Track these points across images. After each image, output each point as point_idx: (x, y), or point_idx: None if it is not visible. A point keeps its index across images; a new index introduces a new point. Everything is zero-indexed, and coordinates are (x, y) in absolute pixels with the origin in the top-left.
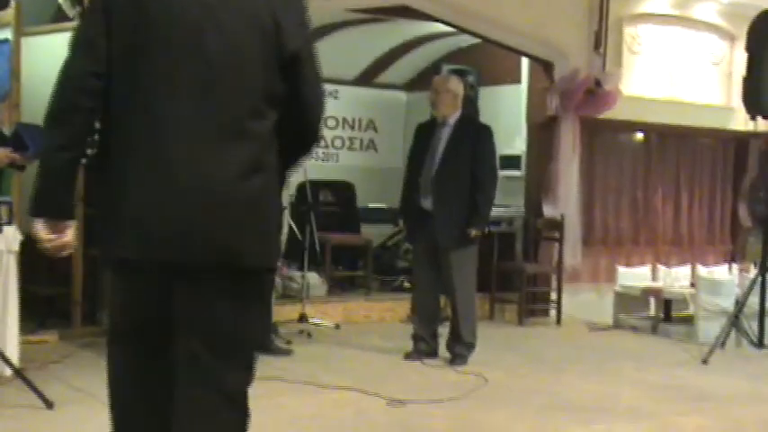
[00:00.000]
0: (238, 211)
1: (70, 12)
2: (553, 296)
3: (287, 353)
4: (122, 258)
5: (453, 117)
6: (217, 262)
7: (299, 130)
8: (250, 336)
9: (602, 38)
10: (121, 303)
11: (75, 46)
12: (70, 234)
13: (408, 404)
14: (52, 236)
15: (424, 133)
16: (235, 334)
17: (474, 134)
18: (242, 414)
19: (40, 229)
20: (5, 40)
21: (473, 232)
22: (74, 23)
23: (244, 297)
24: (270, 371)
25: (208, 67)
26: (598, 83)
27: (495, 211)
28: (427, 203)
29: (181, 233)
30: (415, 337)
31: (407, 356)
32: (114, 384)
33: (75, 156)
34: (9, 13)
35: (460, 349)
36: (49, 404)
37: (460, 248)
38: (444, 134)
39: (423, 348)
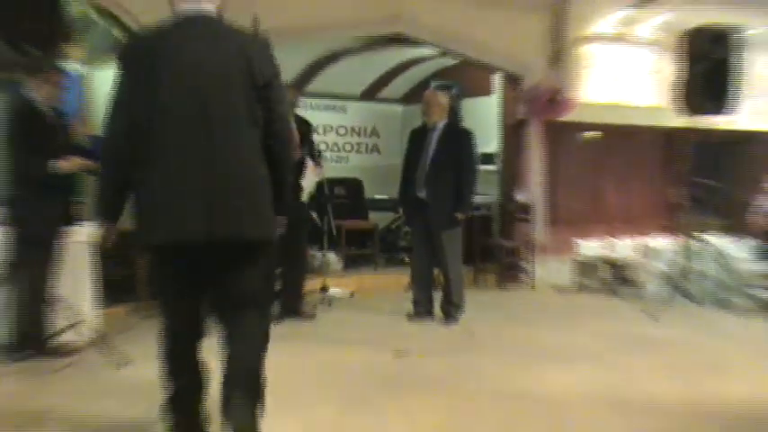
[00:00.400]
0: (249, 200)
1: None
2: (526, 266)
3: (312, 317)
4: (159, 244)
5: (441, 123)
6: (230, 240)
7: (273, 139)
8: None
9: (560, 55)
10: (164, 274)
11: (113, 107)
12: (112, 231)
13: (411, 356)
14: (102, 231)
15: (417, 137)
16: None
17: (458, 138)
18: (265, 337)
19: (97, 226)
20: (76, 71)
21: (459, 216)
22: None
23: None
24: (299, 331)
25: (210, 101)
26: (557, 92)
27: (477, 199)
28: (422, 194)
29: (218, 220)
30: (415, 302)
31: (409, 317)
32: (165, 332)
33: (119, 180)
34: (78, 48)
35: (452, 310)
36: (122, 363)
37: (450, 229)
38: (434, 138)
39: (421, 310)
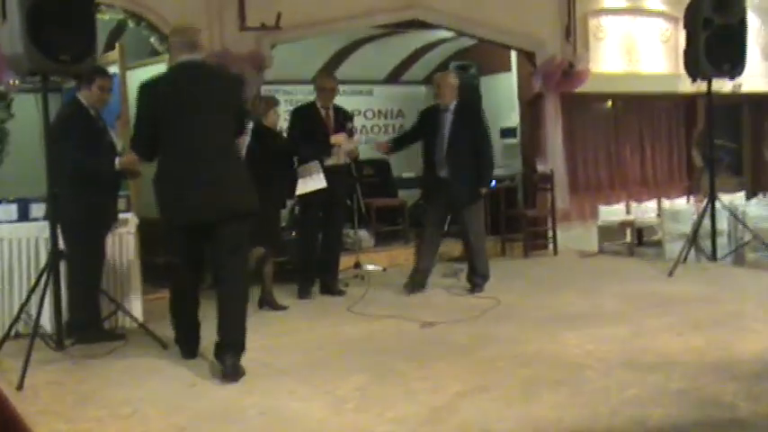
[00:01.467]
0: (236, 189)
1: (160, 48)
2: (550, 233)
3: (342, 293)
4: (182, 224)
5: (452, 104)
6: (226, 214)
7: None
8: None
9: (571, 29)
10: (181, 244)
11: (139, 119)
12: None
13: (437, 325)
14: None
15: (429, 117)
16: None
17: (471, 116)
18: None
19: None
20: (113, 74)
21: (483, 191)
22: (164, 56)
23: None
24: (330, 306)
25: (206, 124)
26: (571, 65)
27: (500, 171)
28: (444, 173)
29: (216, 205)
30: (419, 272)
31: (408, 287)
32: (175, 282)
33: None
34: (115, 52)
35: (478, 280)
36: (164, 345)
37: (473, 204)
38: (448, 119)
39: (420, 280)
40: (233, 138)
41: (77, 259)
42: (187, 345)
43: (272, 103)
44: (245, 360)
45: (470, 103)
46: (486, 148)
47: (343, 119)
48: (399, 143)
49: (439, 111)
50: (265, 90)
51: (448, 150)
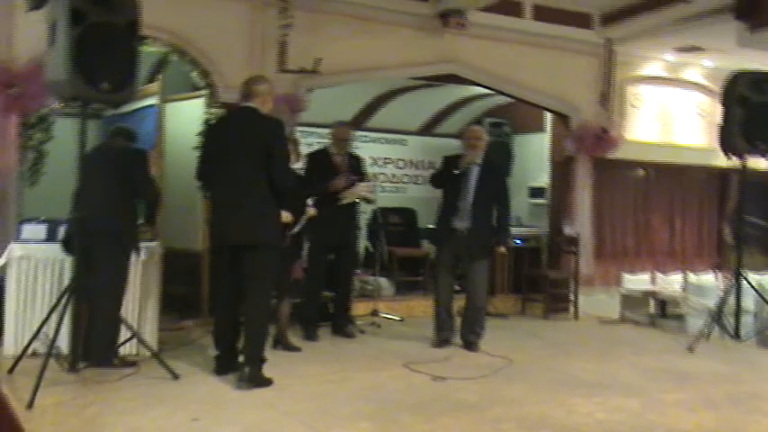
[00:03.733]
0: (255, 220)
1: (200, 83)
2: (571, 297)
3: (353, 336)
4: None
5: (480, 158)
6: (246, 242)
7: (275, 181)
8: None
9: (608, 95)
10: (219, 267)
11: (201, 156)
12: None
13: (448, 380)
14: None
15: (452, 165)
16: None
17: (496, 173)
18: (265, 299)
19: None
20: (152, 105)
21: (501, 249)
22: (203, 92)
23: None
24: (342, 352)
25: (241, 161)
26: (605, 130)
27: (526, 230)
28: (464, 225)
29: (238, 231)
30: (441, 329)
31: (436, 343)
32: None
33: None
34: (155, 84)
35: (475, 338)
36: (176, 376)
37: (485, 258)
38: (475, 172)
39: (446, 337)
40: (263, 175)
41: (117, 284)
42: (217, 360)
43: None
44: (254, 399)
45: (496, 160)
46: (506, 206)
47: (357, 165)
48: (439, 181)
49: (458, 160)
50: (300, 132)
51: (473, 203)
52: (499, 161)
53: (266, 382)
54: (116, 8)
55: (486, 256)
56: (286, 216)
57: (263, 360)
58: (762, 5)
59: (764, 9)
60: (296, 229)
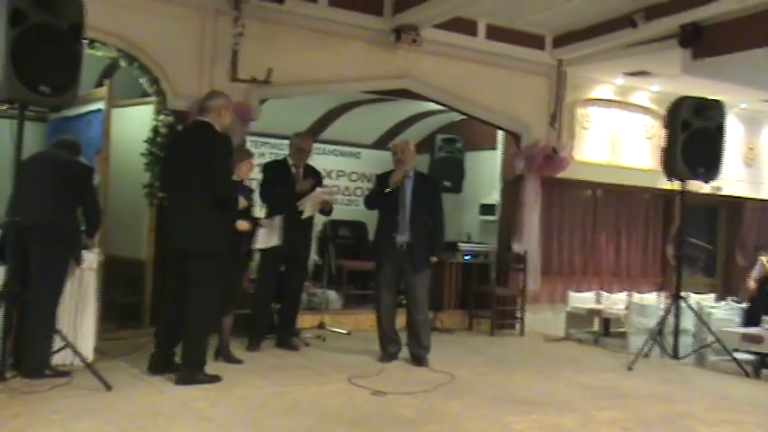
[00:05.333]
0: (196, 228)
1: (149, 90)
2: (518, 313)
3: (296, 348)
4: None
5: (411, 172)
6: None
7: (215, 197)
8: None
9: (558, 116)
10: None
11: (160, 167)
12: None
13: (389, 395)
14: None
15: (385, 183)
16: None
17: (430, 185)
18: (204, 306)
19: None
20: (99, 110)
21: (434, 258)
22: (152, 98)
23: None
24: (284, 365)
25: (187, 173)
26: (554, 150)
27: (475, 247)
28: (402, 238)
29: (180, 239)
30: (388, 343)
31: (383, 358)
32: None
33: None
34: (103, 89)
35: (424, 352)
36: (108, 387)
37: (426, 269)
38: (408, 186)
39: (394, 351)
40: (204, 188)
41: (40, 296)
42: (151, 359)
43: (245, 155)
44: (188, 411)
45: (427, 173)
46: (441, 217)
47: (315, 177)
48: (374, 201)
49: (389, 175)
50: (253, 142)
51: (411, 217)
52: (449, 176)
53: (206, 380)
54: (59, 10)
55: (426, 267)
56: (242, 225)
57: (201, 363)
58: (704, 35)
59: (707, 38)
60: (266, 243)
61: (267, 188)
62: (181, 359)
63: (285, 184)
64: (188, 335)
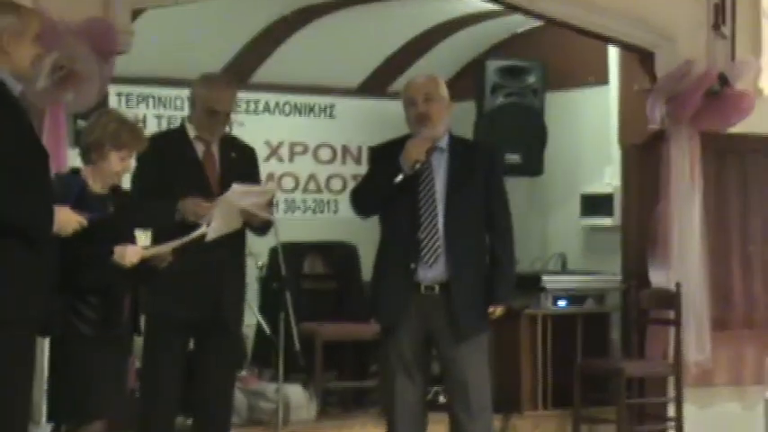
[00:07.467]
0: None
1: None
2: (671, 411)
3: None
4: None
5: (444, 139)
6: None
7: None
8: None
9: (726, 11)
10: None
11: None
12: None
13: None
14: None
15: (390, 162)
16: None
17: (484, 164)
18: None
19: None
20: None
21: (498, 311)
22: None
23: None
24: None
25: None
26: (724, 79)
27: (577, 280)
28: (429, 274)
29: None
30: None
31: None
32: None
33: None
34: None
35: None
36: None
37: (480, 335)
38: (440, 166)
39: None
40: None
41: None
42: None
43: (117, 132)
44: None
45: (476, 140)
46: (508, 226)
47: (244, 161)
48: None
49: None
50: (122, 96)
51: (445, 229)
52: (517, 143)
53: None
54: None
55: (482, 329)
56: (140, 237)
57: None
58: None
59: None
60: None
61: (143, 185)
62: None
63: (184, 177)
64: None
